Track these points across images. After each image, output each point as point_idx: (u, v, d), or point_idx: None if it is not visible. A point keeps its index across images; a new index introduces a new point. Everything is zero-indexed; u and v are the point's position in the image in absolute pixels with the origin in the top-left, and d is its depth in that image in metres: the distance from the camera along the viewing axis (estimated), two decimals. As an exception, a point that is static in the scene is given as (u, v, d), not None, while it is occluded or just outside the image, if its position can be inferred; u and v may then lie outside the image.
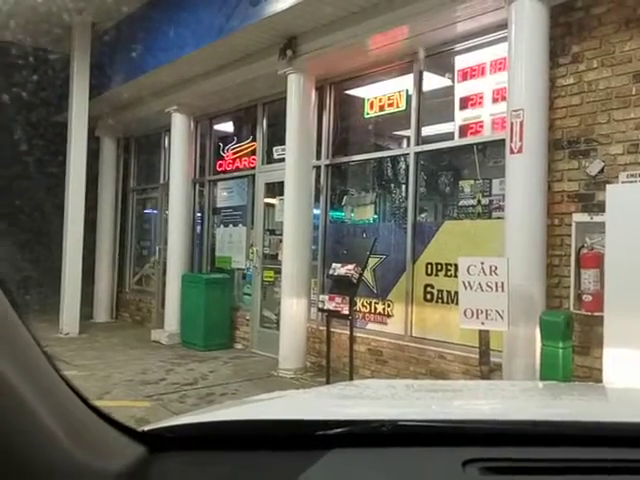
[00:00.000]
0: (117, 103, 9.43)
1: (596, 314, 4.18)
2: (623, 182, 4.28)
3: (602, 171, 4.50)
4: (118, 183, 10.91)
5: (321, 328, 6.55)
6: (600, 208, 4.31)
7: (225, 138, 9.00)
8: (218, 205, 9.12)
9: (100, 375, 6.29)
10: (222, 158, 8.93)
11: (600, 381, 3.78)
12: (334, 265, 5.91)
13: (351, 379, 5.59)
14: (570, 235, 4.61)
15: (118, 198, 10.91)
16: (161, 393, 5.67)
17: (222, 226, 8.95)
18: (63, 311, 8.92)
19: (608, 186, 3.88)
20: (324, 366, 5.99)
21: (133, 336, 8.94)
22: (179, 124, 8.82)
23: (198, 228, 9.41)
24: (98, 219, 10.52)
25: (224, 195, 9.04)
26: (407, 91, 6.25)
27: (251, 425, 0.94)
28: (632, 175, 4.26)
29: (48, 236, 9.48)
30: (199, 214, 9.43)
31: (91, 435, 0.74)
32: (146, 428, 0.90)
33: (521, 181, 4.61)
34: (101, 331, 9.45)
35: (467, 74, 5.70)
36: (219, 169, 9.01)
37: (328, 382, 5.66)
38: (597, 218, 4.35)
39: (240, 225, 8.53)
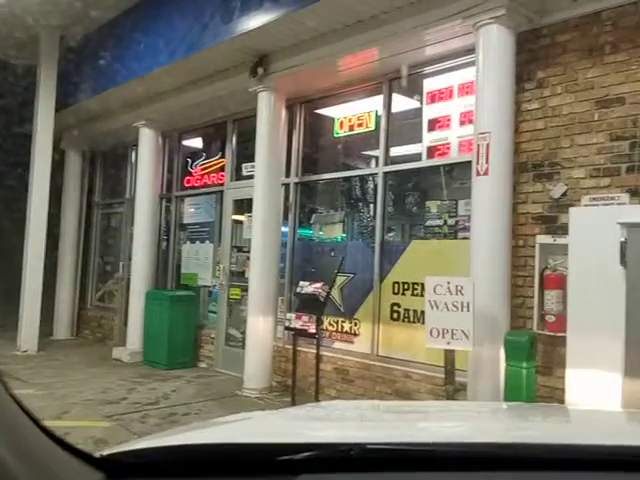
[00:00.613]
0: (84, 116, 9.30)
1: (559, 334, 4.25)
2: (585, 205, 4.38)
3: (565, 194, 4.61)
4: (82, 197, 10.72)
5: (287, 347, 6.49)
6: (563, 230, 4.39)
7: (194, 154, 8.93)
8: (185, 221, 9.03)
9: (58, 394, 6.10)
10: (190, 174, 8.86)
11: (562, 401, 3.82)
12: (301, 283, 5.88)
13: (317, 399, 5.55)
14: (534, 256, 4.69)
15: (82, 212, 10.70)
16: (122, 413, 5.53)
17: (188, 242, 8.85)
18: (22, 328, 8.66)
19: (571, 209, 3.96)
20: (290, 385, 5.93)
21: (94, 354, 8.73)
22: (147, 139, 8.73)
23: (164, 244, 9.29)
24: (61, 234, 10.30)
25: (191, 211, 8.96)
26: (376, 112, 6.31)
27: (216, 449, 0.91)
28: (594, 199, 4.36)
29: (6, 251, 9.22)
30: (165, 230, 9.30)
31: (43, 460, 0.70)
32: (105, 452, 0.86)
33: (487, 203, 4.68)
34: (61, 349, 9.20)
35: (435, 96, 5.80)
36: (187, 185, 8.93)
37: (294, 401, 5.61)
38: (560, 240, 4.44)
39: (207, 242, 8.45)
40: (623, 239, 3.31)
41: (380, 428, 1.20)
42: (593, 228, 3.55)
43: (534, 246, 4.70)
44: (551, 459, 0.89)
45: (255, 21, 5.90)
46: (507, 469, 0.85)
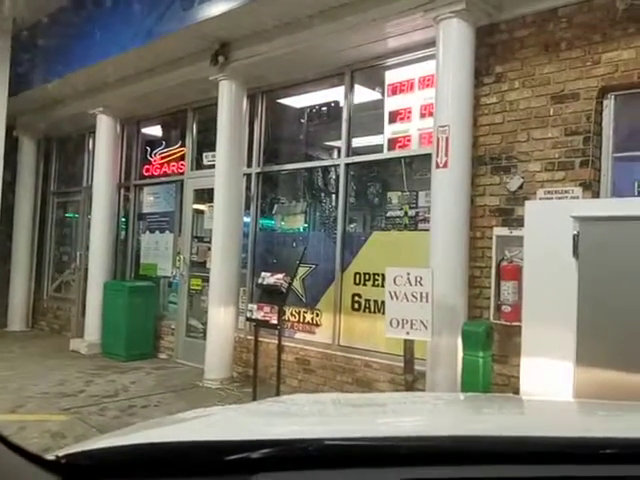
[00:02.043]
0: (39, 102, 9.04)
1: (514, 324, 4.36)
2: (541, 198, 4.49)
3: (521, 187, 4.71)
4: (37, 186, 10.43)
5: (249, 337, 6.49)
6: (519, 223, 4.49)
7: (153, 142, 8.78)
8: (144, 210, 8.88)
9: (13, 387, 5.96)
10: (149, 163, 8.71)
11: (517, 388, 3.93)
12: (263, 274, 5.87)
13: (278, 389, 5.57)
14: (491, 248, 4.79)
15: (37, 202, 10.42)
16: (79, 406, 5.44)
17: (148, 232, 8.72)
18: (-26, 319, 8.41)
19: (527, 202, 4.05)
20: (251, 376, 5.92)
21: (50, 346, 8.55)
22: (104, 126, 8.54)
23: (122, 234, 9.13)
24: (15, 223, 10.03)
25: (151, 200, 8.81)
26: (338, 103, 6.32)
27: (174, 448, 0.91)
28: (549, 192, 4.49)
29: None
30: (124, 219, 9.14)
31: (1, 469, 0.68)
32: (60, 453, 0.85)
33: (446, 194, 4.75)
34: (16, 340, 8.97)
35: (397, 89, 5.83)
36: (146, 174, 8.77)
37: (255, 392, 5.61)
38: (516, 232, 4.54)
39: (167, 232, 8.34)
40: (576, 232, 3.41)
41: (339, 423, 1.22)
42: (547, 221, 3.64)
43: (491, 238, 4.80)
44: (507, 452, 0.92)
45: (216, 8, 5.81)
46: (465, 463, 0.87)
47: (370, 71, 6.12)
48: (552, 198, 4.44)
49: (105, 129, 8.54)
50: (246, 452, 0.86)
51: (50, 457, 0.80)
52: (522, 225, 4.18)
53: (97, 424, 4.90)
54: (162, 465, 0.85)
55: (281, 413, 1.34)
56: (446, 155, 4.68)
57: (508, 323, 4.54)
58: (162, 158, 8.50)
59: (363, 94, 6.26)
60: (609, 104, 4.42)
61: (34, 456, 0.76)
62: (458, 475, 0.88)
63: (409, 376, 4.50)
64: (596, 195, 4.37)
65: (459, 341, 4.35)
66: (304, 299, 6.43)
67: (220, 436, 1.02)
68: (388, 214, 5.91)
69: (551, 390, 3.42)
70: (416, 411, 1.43)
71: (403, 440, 0.98)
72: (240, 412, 1.37)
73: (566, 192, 4.40)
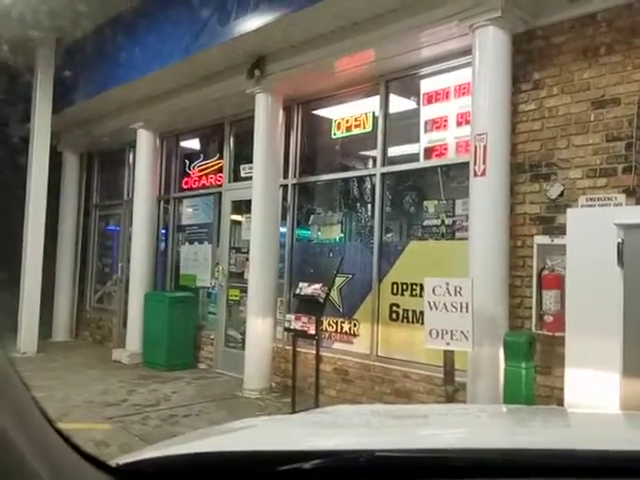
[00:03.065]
0: (81, 118, 9.31)
1: (557, 334, 4.28)
2: (582, 206, 4.41)
3: (562, 194, 4.64)
4: (80, 199, 10.72)
5: (287, 348, 6.52)
6: (560, 231, 4.43)
7: (191, 155, 8.95)
8: (183, 222, 9.04)
9: (58, 396, 6.11)
10: (188, 175, 8.88)
11: (561, 400, 3.86)
12: (301, 284, 5.90)
13: (317, 399, 5.58)
14: (532, 257, 4.72)
15: (80, 214, 10.70)
16: (122, 415, 5.54)
17: (187, 244, 8.86)
18: (21, 330, 8.66)
19: (569, 210, 3.99)
20: (289, 386, 5.95)
21: (93, 356, 8.74)
22: (144, 140, 8.74)
23: (162, 245, 9.29)
24: (59, 236, 10.30)
25: (189, 212, 8.97)
26: (374, 113, 6.34)
27: (229, 457, 0.93)
28: (591, 199, 4.40)
29: (6, 252, 9.21)
30: (163, 231, 9.31)
31: (63, 467, 0.72)
32: (120, 462, 0.88)
33: (484, 203, 4.71)
34: (60, 350, 9.20)
35: (432, 97, 5.82)
36: (185, 186, 8.94)
37: (294, 402, 5.63)
38: (557, 240, 4.47)
39: (205, 243, 8.46)
40: (620, 240, 3.34)
41: (386, 434, 1.23)
42: (590, 229, 3.58)
43: (532, 246, 4.73)
44: (555, 465, 0.92)
45: (252, 23, 5.91)
46: (514, 476, 0.87)
47: (405, 80, 6.12)
48: (594, 205, 4.35)
49: (145, 143, 8.74)
50: (298, 462, 0.88)
51: (112, 463, 0.83)
52: (563, 233, 4.12)
53: (140, 433, 4.99)
54: (218, 474, 0.87)
55: (328, 424, 1.35)
56: (484, 163, 4.64)
57: (550, 333, 4.45)
58: (200, 171, 8.65)
59: (398, 103, 6.27)
60: (652, 108, 4.32)
61: (99, 461, 0.79)
62: None
63: (449, 387, 4.45)
64: (640, 202, 4.27)
65: (500, 352, 4.29)
66: (341, 309, 6.43)
67: (271, 446, 1.04)
68: (425, 223, 5.88)
69: (597, 402, 3.35)
70: (462, 423, 1.42)
71: (452, 452, 0.98)
72: (288, 423, 1.39)
73: (609, 199, 4.31)
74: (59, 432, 0.72)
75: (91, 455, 0.76)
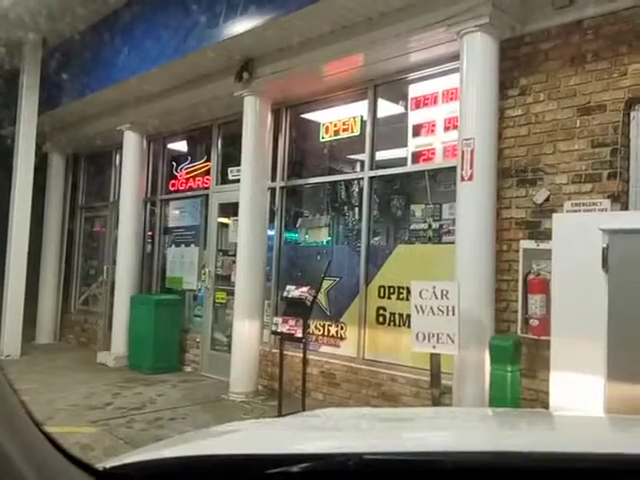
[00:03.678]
0: (67, 119, 9.24)
1: (543, 338, 4.32)
2: (568, 211, 4.45)
3: (548, 200, 4.68)
4: (66, 200, 10.65)
5: (274, 351, 6.50)
6: (546, 235, 4.46)
7: (179, 157, 8.91)
8: (170, 225, 9.00)
9: (43, 399, 6.04)
10: (175, 177, 8.84)
11: (547, 403, 3.88)
12: (288, 287, 5.89)
13: (303, 402, 5.56)
14: (518, 261, 4.76)
15: (66, 216, 10.62)
16: (107, 418, 5.50)
17: (173, 246, 8.82)
18: (4, 332, 8.57)
19: (554, 215, 4.02)
20: (276, 389, 5.93)
21: (78, 358, 8.66)
22: (131, 142, 8.69)
23: (148, 248, 9.24)
24: (44, 237, 10.22)
25: (176, 214, 8.93)
26: (362, 117, 6.36)
27: (217, 461, 0.93)
28: (576, 204, 4.45)
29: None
30: (150, 233, 9.26)
31: (51, 471, 0.71)
32: (107, 465, 0.88)
33: (471, 208, 4.74)
34: (44, 353, 9.11)
35: (420, 102, 5.85)
36: (172, 188, 8.90)
37: (280, 405, 5.61)
38: (543, 245, 4.51)
39: (192, 245, 8.43)
40: (605, 245, 3.37)
41: (376, 437, 1.23)
42: (576, 234, 3.61)
43: (518, 251, 4.77)
44: (541, 468, 0.92)
45: (241, 26, 5.91)
46: (503, 478, 0.88)
47: (393, 85, 6.15)
48: (580, 210, 4.40)
49: (132, 145, 8.70)
50: (286, 465, 0.88)
51: (99, 467, 0.82)
52: (549, 238, 4.16)
53: (125, 436, 4.96)
54: (206, 477, 0.87)
55: (316, 427, 1.35)
56: (471, 168, 4.68)
57: (536, 337, 4.49)
58: (187, 173, 8.61)
59: (387, 108, 6.30)
60: (636, 115, 4.38)
61: (85, 465, 0.79)
62: None
63: (436, 390, 4.47)
64: (625, 207, 4.32)
65: (486, 355, 4.32)
66: (328, 312, 6.43)
67: (259, 449, 1.03)
68: (412, 227, 5.91)
69: (581, 405, 3.37)
70: (449, 426, 1.43)
71: (439, 455, 0.98)
72: (276, 426, 1.39)
73: (594, 204, 4.36)
74: (46, 435, 0.71)
75: (78, 458, 0.76)
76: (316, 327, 6.46)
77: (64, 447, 0.74)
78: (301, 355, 5.71)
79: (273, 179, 7.10)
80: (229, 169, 7.83)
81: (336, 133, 6.67)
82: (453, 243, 4.99)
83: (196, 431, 1.45)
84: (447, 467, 0.91)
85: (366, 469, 0.89)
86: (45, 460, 0.69)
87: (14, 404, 0.65)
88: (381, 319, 5.92)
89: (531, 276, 4.59)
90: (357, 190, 6.48)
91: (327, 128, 6.76)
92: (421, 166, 5.82)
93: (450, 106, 5.53)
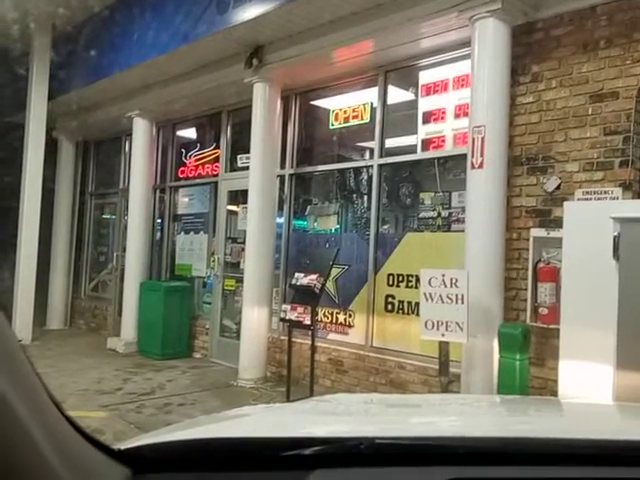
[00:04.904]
0: (77, 105, 9.23)
1: (552, 326, 4.31)
2: (579, 199, 4.42)
3: (559, 188, 4.65)
4: (76, 187, 10.69)
5: (282, 338, 6.54)
6: (556, 224, 4.44)
7: (188, 144, 8.91)
8: (179, 212, 9.02)
9: (54, 384, 6.04)
10: (184, 164, 8.85)
11: (555, 392, 3.89)
12: (297, 275, 5.91)
13: (311, 389, 5.60)
14: (528, 249, 4.74)
15: (76, 202, 10.67)
16: (117, 403, 5.56)
17: (183, 233, 8.85)
18: (15, 317, 8.64)
19: (565, 203, 4.00)
20: (284, 376, 5.97)
21: (88, 344, 8.74)
22: (141, 129, 8.70)
23: (158, 235, 9.28)
24: (54, 224, 10.27)
25: (185, 202, 8.95)
26: (372, 104, 6.32)
27: (230, 444, 0.94)
28: (587, 192, 4.42)
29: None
30: (159, 220, 9.30)
31: (79, 458, 0.72)
32: (124, 447, 0.89)
33: (481, 195, 4.71)
34: (55, 339, 9.20)
35: (431, 89, 5.81)
36: (181, 175, 8.91)
37: (288, 392, 5.65)
38: (553, 233, 4.48)
39: (201, 232, 8.45)
40: (616, 233, 3.36)
41: (386, 422, 1.24)
42: (587, 222, 3.59)
43: (528, 239, 4.74)
44: (553, 453, 0.93)
45: (250, 12, 5.88)
46: (512, 464, 0.88)
47: (404, 71, 6.11)
48: (591, 199, 4.37)
49: (141, 132, 8.70)
50: (299, 449, 0.88)
51: (115, 448, 0.84)
52: (559, 226, 4.14)
53: (135, 421, 5.01)
54: (220, 460, 0.88)
55: (327, 412, 1.36)
56: (481, 155, 4.65)
57: (545, 325, 4.48)
58: (197, 160, 8.62)
59: (397, 95, 6.26)
60: (650, 103, 4.33)
61: (104, 446, 0.80)
62: (504, 475, 0.89)
63: (444, 378, 4.48)
64: (637, 196, 4.28)
65: (495, 343, 4.32)
66: (337, 300, 6.45)
67: (272, 433, 1.04)
68: (421, 215, 5.89)
69: (590, 393, 3.37)
70: (459, 412, 1.44)
71: (450, 440, 0.99)
72: (288, 410, 1.40)
73: (605, 193, 4.33)
74: (65, 415, 0.72)
75: (95, 439, 0.77)
76: (324, 314, 6.48)
77: (82, 428, 0.75)
78: (309, 342, 5.74)
79: (282, 166, 7.09)
80: (238, 156, 7.83)
81: (346, 120, 6.64)
82: (462, 231, 4.97)
83: (208, 415, 1.46)
84: (459, 452, 0.91)
85: (378, 453, 0.90)
86: (65, 439, 0.70)
87: (37, 384, 0.67)
88: (389, 307, 5.93)
89: (541, 264, 4.57)
90: (366, 178, 6.46)
91: (337, 115, 6.73)
92: (431, 154, 5.79)
93: (461, 93, 5.49)
